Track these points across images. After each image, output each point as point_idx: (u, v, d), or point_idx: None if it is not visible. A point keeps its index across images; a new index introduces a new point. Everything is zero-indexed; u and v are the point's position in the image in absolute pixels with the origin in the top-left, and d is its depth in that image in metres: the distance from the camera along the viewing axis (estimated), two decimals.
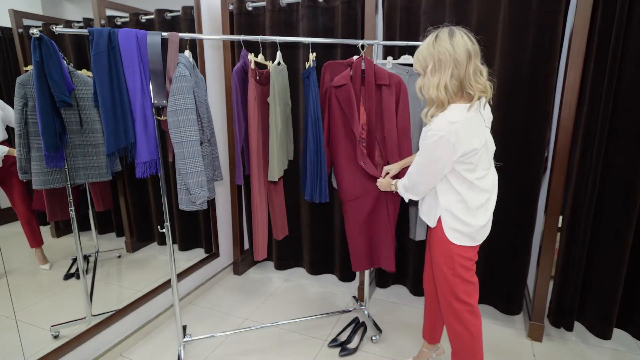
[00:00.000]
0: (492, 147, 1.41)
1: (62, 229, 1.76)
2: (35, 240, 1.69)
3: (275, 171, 1.84)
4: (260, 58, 1.86)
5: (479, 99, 1.29)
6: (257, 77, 1.80)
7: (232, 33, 2.44)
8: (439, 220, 1.43)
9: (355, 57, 1.80)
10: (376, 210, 1.89)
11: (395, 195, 1.80)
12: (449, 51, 1.24)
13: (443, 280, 1.46)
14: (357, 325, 2.12)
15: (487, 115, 1.40)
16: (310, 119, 1.76)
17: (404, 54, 2.06)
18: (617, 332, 2.02)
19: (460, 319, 1.46)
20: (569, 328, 2.03)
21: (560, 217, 1.94)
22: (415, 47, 2.08)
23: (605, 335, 1.95)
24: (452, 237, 1.40)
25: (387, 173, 1.73)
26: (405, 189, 1.50)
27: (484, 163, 1.36)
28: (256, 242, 1.90)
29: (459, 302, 1.45)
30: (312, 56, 1.79)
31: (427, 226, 1.57)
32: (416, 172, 1.42)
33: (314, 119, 1.76)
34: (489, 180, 1.41)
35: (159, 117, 1.61)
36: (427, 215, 1.50)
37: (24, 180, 1.58)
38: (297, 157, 2.33)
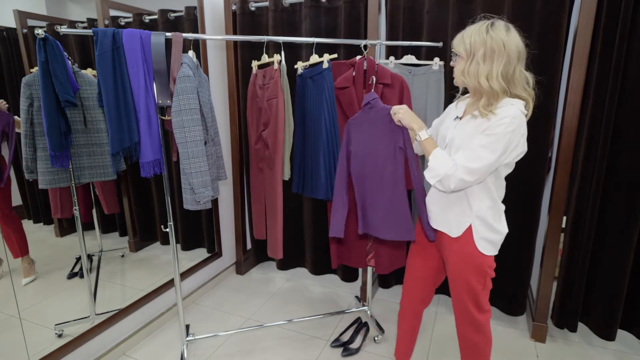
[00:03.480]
0: None
1: (65, 229, 1.76)
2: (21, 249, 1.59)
3: (289, 170, 1.90)
4: (264, 58, 1.86)
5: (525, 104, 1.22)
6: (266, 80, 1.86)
7: (235, 33, 2.44)
8: (468, 229, 1.28)
9: (358, 57, 1.80)
10: None
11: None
12: (504, 42, 1.15)
13: (468, 295, 1.33)
14: (360, 326, 2.12)
15: None
16: (327, 117, 1.76)
17: (407, 54, 2.06)
18: (621, 333, 2.02)
19: (483, 329, 1.37)
20: (573, 329, 2.03)
21: (564, 218, 1.93)
22: (418, 47, 2.11)
23: (609, 336, 1.94)
24: (483, 248, 1.27)
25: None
26: (464, 170, 1.18)
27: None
28: (278, 239, 1.92)
29: (483, 313, 1.36)
30: (328, 57, 1.75)
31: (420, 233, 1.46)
32: (484, 157, 1.16)
33: (330, 117, 1.76)
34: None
35: (162, 117, 1.61)
36: (446, 223, 1.32)
37: (30, 180, 1.59)
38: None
